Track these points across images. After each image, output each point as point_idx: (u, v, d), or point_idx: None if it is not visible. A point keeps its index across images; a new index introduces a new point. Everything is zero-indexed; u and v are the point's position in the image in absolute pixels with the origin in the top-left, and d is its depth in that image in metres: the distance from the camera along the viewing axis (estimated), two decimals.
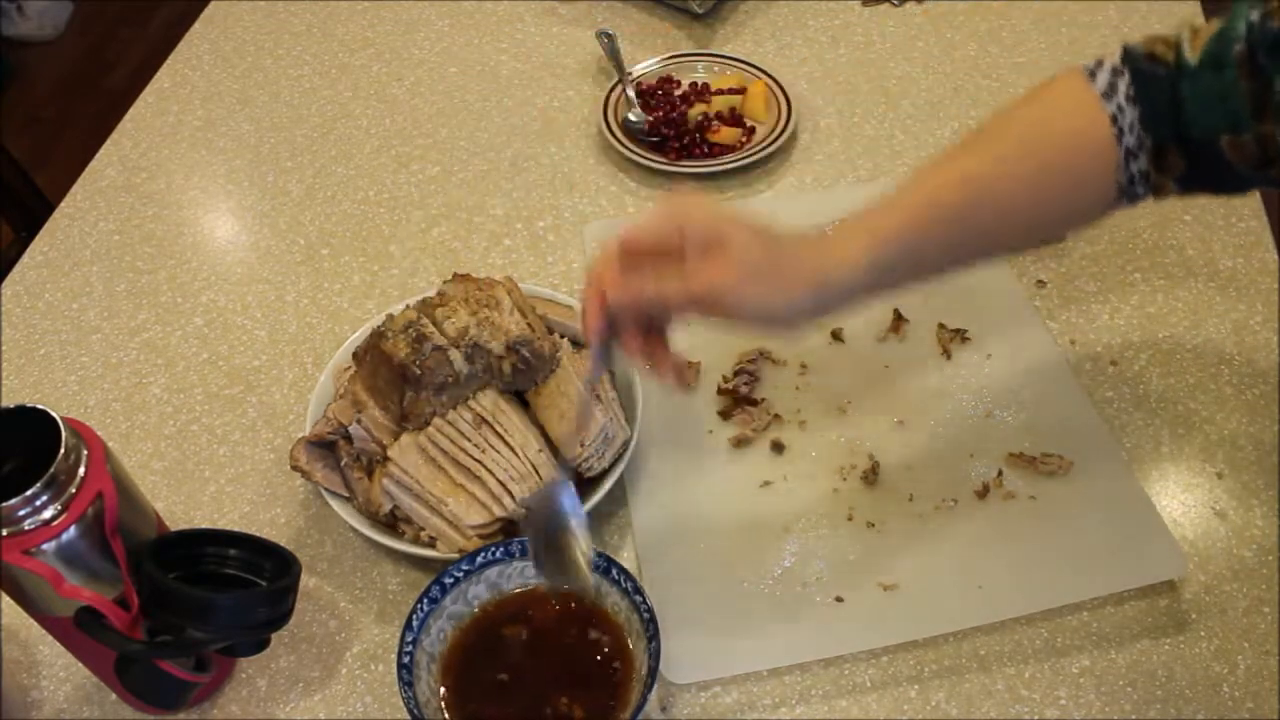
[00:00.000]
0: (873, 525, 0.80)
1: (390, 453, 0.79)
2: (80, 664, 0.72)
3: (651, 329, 0.65)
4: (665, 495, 0.82)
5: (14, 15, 2.88)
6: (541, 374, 0.83)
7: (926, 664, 0.74)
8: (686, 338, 0.92)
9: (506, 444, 0.79)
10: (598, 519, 0.82)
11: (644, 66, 1.20)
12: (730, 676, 0.73)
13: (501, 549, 0.73)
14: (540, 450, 0.79)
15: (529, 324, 0.83)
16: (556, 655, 0.70)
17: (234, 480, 0.87)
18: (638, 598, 0.69)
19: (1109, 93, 0.66)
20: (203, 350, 0.97)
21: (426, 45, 1.29)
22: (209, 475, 0.88)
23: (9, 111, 2.70)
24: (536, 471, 0.78)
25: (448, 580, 0.71)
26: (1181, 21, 0.67)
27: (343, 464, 0.80)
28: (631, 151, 1.10)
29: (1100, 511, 0.79)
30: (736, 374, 0.90)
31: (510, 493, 0.77)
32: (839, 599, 0.76)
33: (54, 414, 0.61)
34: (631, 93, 1.16)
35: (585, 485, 0.80)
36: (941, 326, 0.93)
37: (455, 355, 0.79)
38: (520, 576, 0.74)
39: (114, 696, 0.74)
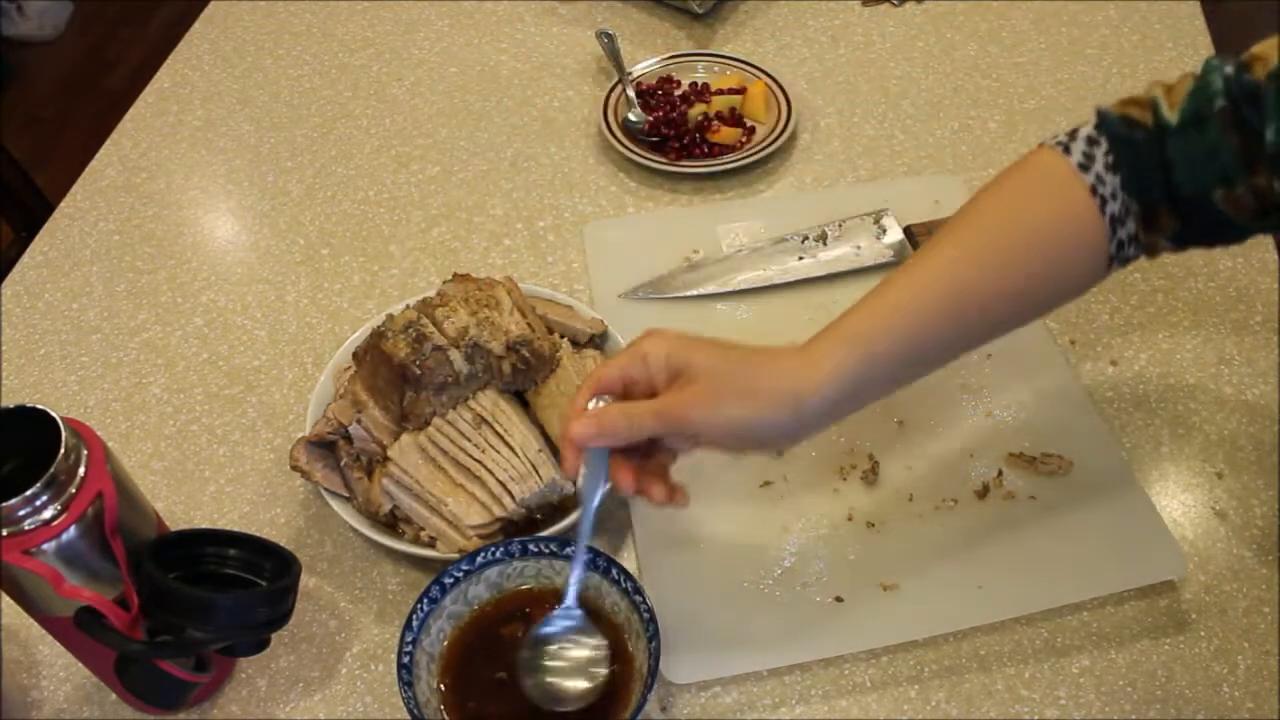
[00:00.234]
0: (873, 525, 0.80)
1: (390, 453, 0.79)
2: (80, 664, 0.72)
3: (648, 460, 0.67)
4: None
5: (14, 15, 2.88)
6: (541, 374, 0.83)
7: (926, 664, 0.74)
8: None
9: (506, 444, 0.79)
10: (598, 519, 0.81)
11: (644, 66, 1.20)
12: (730, 676, 0.73)
13: (501, 549, 0.73)
14: (540, 450, 0.79)
15: (529, 324, 0.83)
16: None
17: (234, 480, 0.87)
18: (638, 598, 0.69)
19: (1085, 164, 0.65)
20: (203, 350, 0.97)
21: (426, 45, 1.29)
22: (209, 475, 0.88)
23: (9, 111, 2.70)
24: (536, 471, 0.78)
25: (448, 580, 0.71)
26: (1150, 81, 0.67)
27: (343, 464, 0.80)
28: (631, 151, 1.10)
29: (1100, 511, 0.79)
30: None
31: (510, 493, 0.77)
32: (839, 599, 0.76)
33: (54, 414, 0.61)
34: (631, 93, 1.16)
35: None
36: None
37: (455, 355, 0.79)
38: (520, 576, 0.74)
39: (114, 696, 0.74)
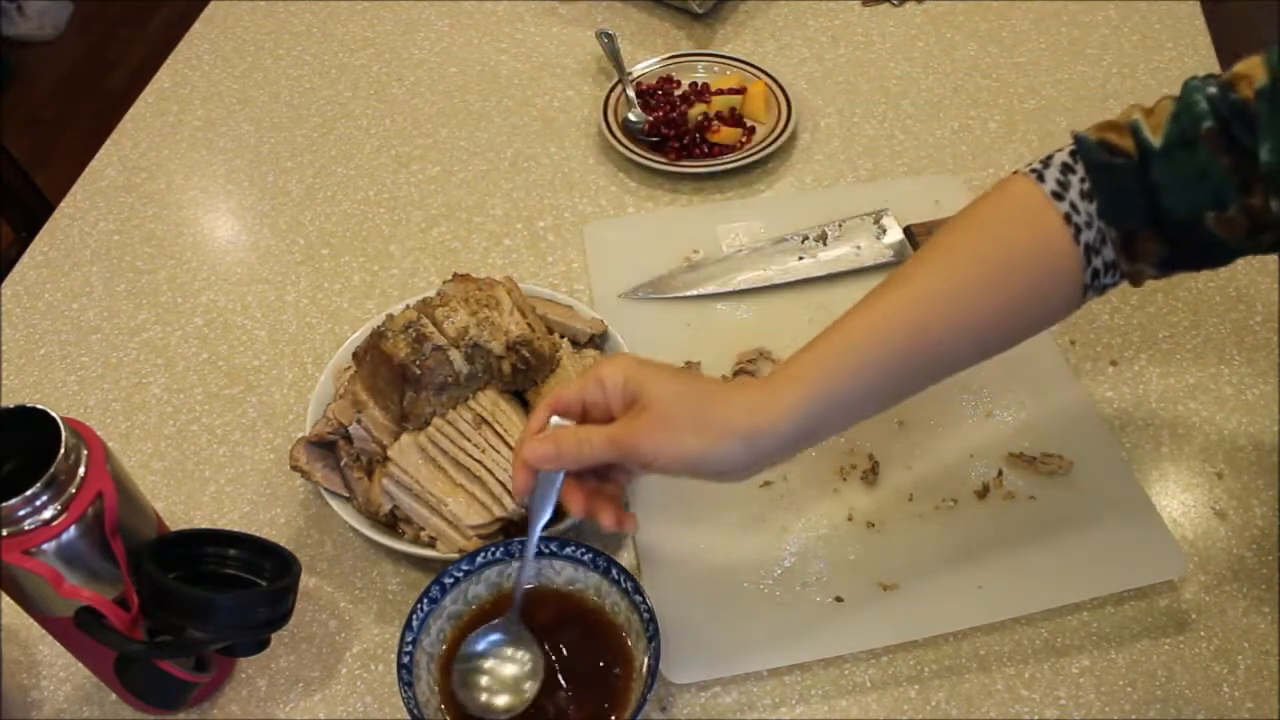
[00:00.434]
0: (873, 525, 0.80)
1: (390, 453, 0.79)
2: (80, 664, 0.72)
3: (603, 483, 0.67)
4: (665, 496, 0.82)
5: (14, 15, 2.88)
6: (541, 374, 0.83)
7: (926, 664, 0.74)
8: (687, 334, 0.93)
9: (506, 444, 0.79)
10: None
11: (644, 66, 1.20)
12: (730, 676, 0.73)
13: (501, 549, 0.73)
14: None
15: (529, 324, 0.83)
16: (556, 655, 0.70)
17: (234, 480, 0.87)
18: (638, 598, 0.69)
19: (1059, 192, 0.64)
20: (203, 350, 0.97)
21: (426, 45, 1.29)
22: (209, 475, 0.88)
23: (9, 111, 2.70)
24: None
25: (447, 580, 0.71)
26: (1129, 105, 0.66)
27: (343, 464, 0.80)
28: (631, 151, 1.10)
29: (1100, 511, 0.79)
30: (736, 373, 0.89)
31: (510, 493, 0.77)
32: (839, 599, 0.76)
33: (54, 414, 0.61)
34: (631, 93, 1.16)
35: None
36: None
37: (455, 355, 0.79)
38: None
39: (114, 696, 0.74)
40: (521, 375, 0.82)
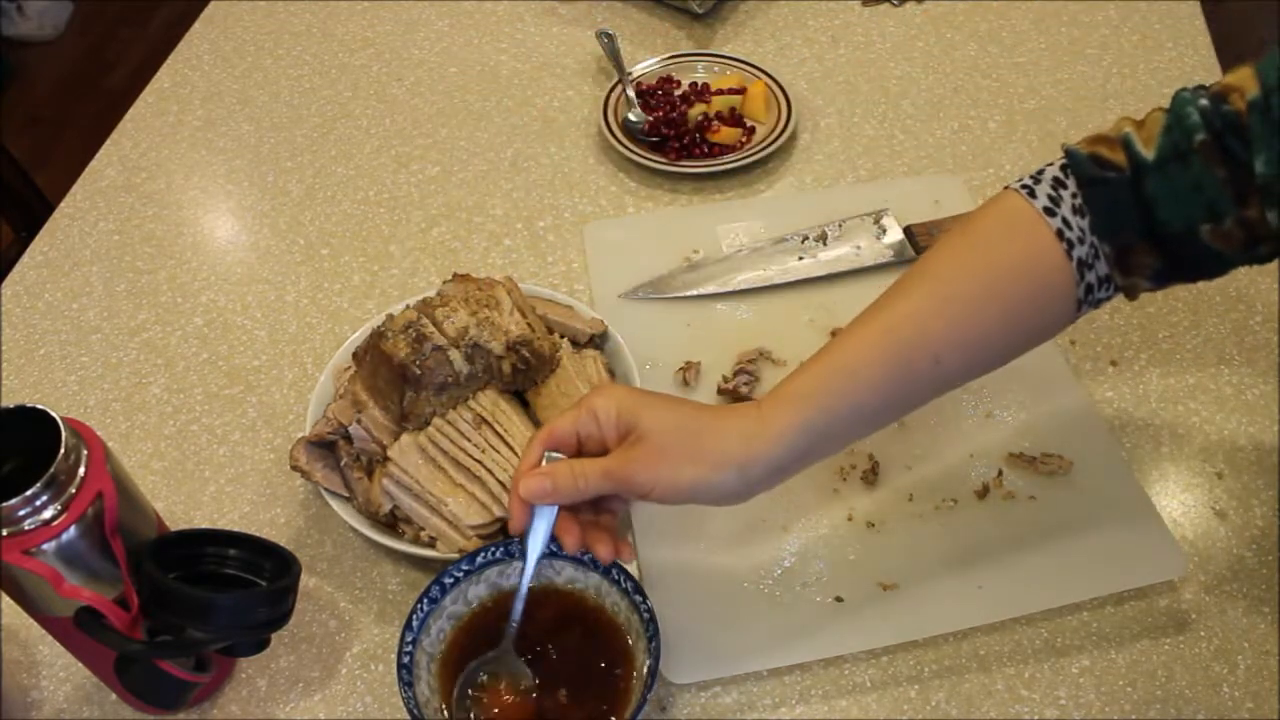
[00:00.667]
0: (873, 525, 0.80)
1: (390, 453, 0.79)
2: (80, 664, 0.72)
3: (598, 513, 0.67)
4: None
5: (14, 15, 2.88)
6: (541, 374, 0.83)
7: (926, 664, 0.74)
8: (687, 334, 0.93)
9: (506, 444, 0.79)
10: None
11: (644, 66, 1.20)
12: (730, 676, 0.73)
13: (501, 549, 0.73)
14: None
15: (529, 324, 0.83)
16: (556, 655, 0.70)
17: (234, 480, 0.87)
18: (638, 598, 0.69)
19: (1051, 208, 0.64)
20: (203, 350, 0.97)
21: (426, 45, 1.29)
22: (209, 475, 0.88)
23: (9, 111, 2.70)
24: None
25: (448, 580, 0.71)
26: (1120, 117, 0.66)
27: (343, 464, 0.80)
28: (631, 151, 1.10)
29: (1100, 511, 0.79)
30: (736, 374, 0.89)
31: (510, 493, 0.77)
32: (839, 599, 0.76)
33: (54, 414, 0.61)
34: (631, 93, 1.16)
35: None
36: None
37: (455, 355, 0.79)
38: (520, 576, 0.74)
39: (114, 696, 0.74)
40: (521, 375, 0.82)
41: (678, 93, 1.18)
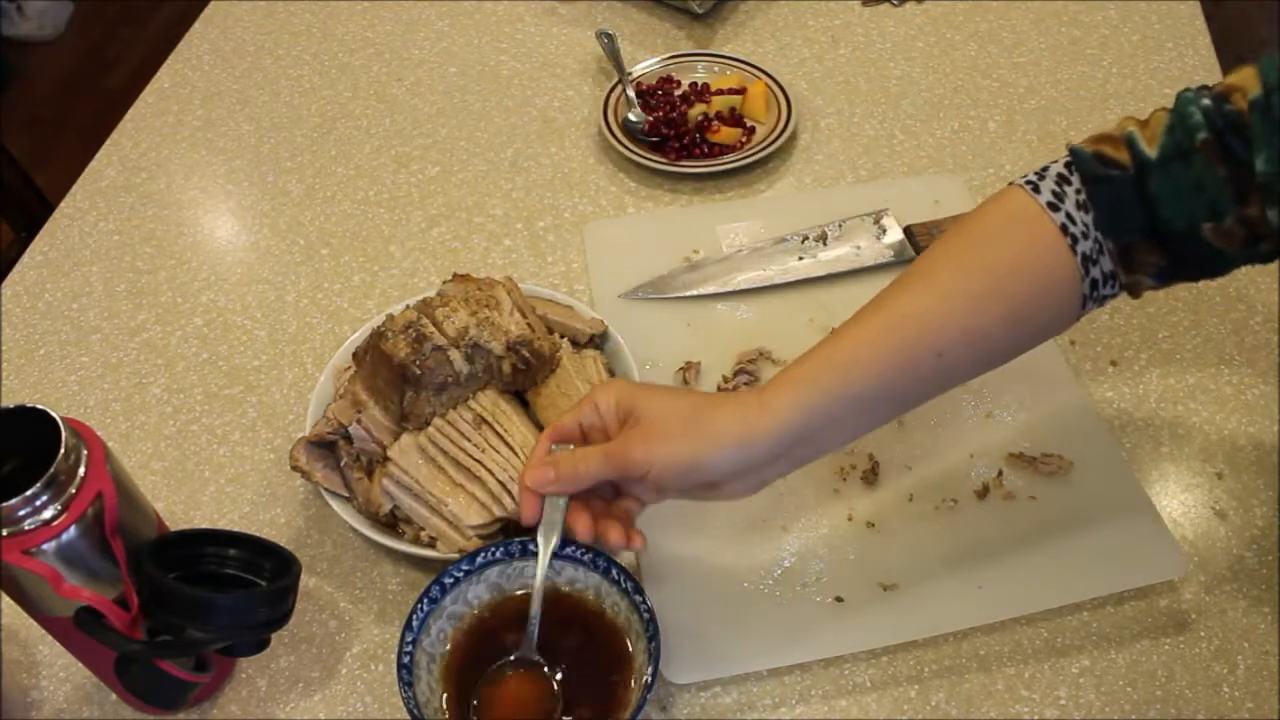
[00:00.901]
0: (873, 525, 0.80)
1: (390, 453, 0.79)
2: (80, 664, 0.72)
3: (612, 505, 0.68)
4: None
5: (14, 15, 2.88)
6: (541, 374, 0.83)
7: (926, 664, 0.74)
8: (687, 334, 0.93)
9: (506, 444, 0.79)
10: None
11: (644, 66, 1.20)
12: (730, 676, 0.73)
13: (501, 549, 0.73)
14: None
15: (529, 324, 0.83)
16: (557, 656, 0.70)
17: (234, 480, 0.87)
18: (638, 598, 0.69)
19: (1055, 203, 0.64)
20: (203, 350, 0.97)
21: (426, 45, 1.29)
22: (209, 475, 0.88)
23: (9, 111, 2.70)
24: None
25: (448, 580, 0.71)
26: (1124, 116, 0.66)
27: (343, 464, 0.80)
28: (631, 151, 1.10)
29: (1100, 511, 0.79)
30: (736, 374, 0.90)
31: (510, 493, 0.77)
32: (839, 599, 0.76)
33: (54, 414, 0.61)
34: (631, 93, 1.16)
35: None
36: None
37: (455, 355, 0.79)
38: (520, 577, 0.74)
39: (114, 696, 0.74)
40: (521, 375, 0.82)
41: (678, 93, 1.18)
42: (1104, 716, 0.71)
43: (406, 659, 0.68)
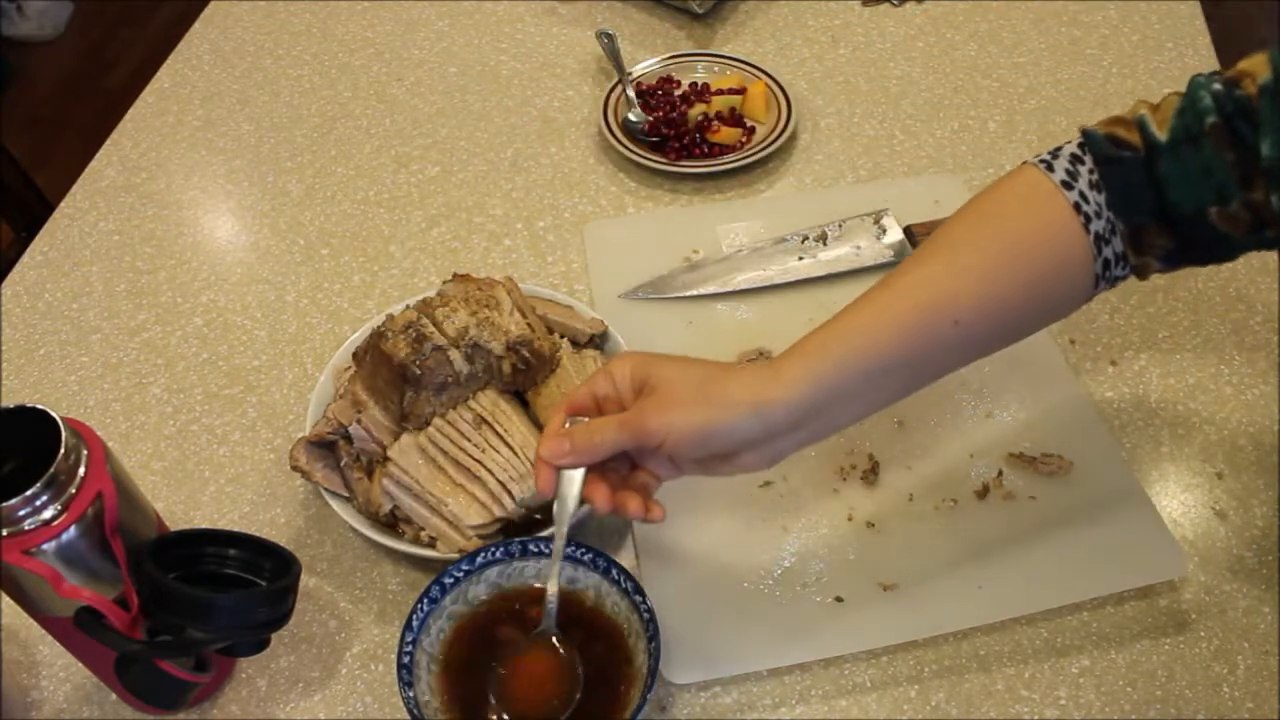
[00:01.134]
0: (872, 525, 0.80)
1: (390, 453, 0.79)
2: (80, 664, 0.72)
3: (630, 476, 0.67)
4: (665, 495, 0.82)
5: (14, 15, 2.88)
6: (541, 374, 0.83)
7: (926, 664, 0.74)
8: (687, 334, 0.93)
9: (506, 444, 0.79)
10: (597, 520, 0.82)
11: (644, 66, 1.20)
12: (730, 676, 0.73)
13: (501, 549, 0.73)
14: None
15: (529, 324, 0.83)
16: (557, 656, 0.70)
17: (234, 480, 0.87)
18: (638, 598, 0.69)
19: (1069, 182, 0.64)
20: (203, 350, 0.97)
21: (426, 45, 1.29)
22: (209, 475, 0.88)
23: (9, 111, 2.70)
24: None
25: (448, 580, 0.71)
26: (1137, 100, 0.66)
27: (343, 464, 0.80)
28: (631, 151, 1.10)
29: (1100, 511, 0.79)
30: None
31: (510, 493, 0.77)
32: (839, 599, 0.76)
33: (54, 414, 0.61)
34: (631, 93, 1.16)
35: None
36: None
37: (455, 355, 0.79)
38: (520, 576, 0.74)
39: (114, 696, 0.74)
40: (521, 375, 0.82)
41: (678, 93, 1.18)
42: (1104, 716, 0.71)
43: (406, 659, 0.68)
